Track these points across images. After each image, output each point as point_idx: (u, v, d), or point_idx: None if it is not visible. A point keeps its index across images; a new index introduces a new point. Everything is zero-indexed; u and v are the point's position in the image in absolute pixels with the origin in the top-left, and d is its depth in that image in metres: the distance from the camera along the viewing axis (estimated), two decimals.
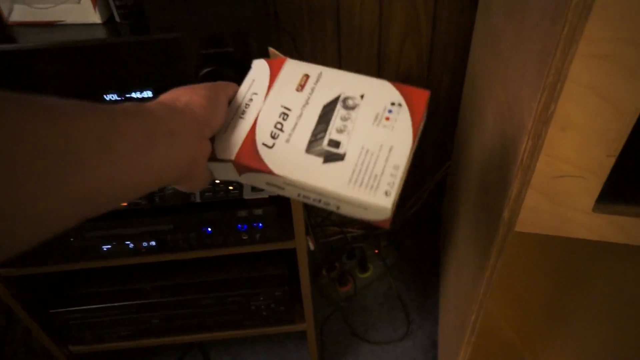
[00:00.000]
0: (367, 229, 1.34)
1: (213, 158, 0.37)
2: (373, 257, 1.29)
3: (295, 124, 0.37)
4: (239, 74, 0.50)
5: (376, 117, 0.36)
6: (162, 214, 0.71)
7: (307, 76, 0.39)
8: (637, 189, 0.49)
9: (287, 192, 0.37)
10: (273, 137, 0.37)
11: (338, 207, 0.35)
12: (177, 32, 0.52)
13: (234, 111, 0.39)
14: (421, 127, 0.37)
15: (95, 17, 0.54)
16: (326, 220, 1.32)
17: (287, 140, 0.36)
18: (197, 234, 0.72)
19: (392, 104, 0.37)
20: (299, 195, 0.36)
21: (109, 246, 0.73)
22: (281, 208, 0.72)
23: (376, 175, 0.34)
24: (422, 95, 0.37)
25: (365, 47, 1.01)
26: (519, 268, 0.82)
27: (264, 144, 0.36)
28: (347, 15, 0.96)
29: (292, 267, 0.82)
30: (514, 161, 0.49)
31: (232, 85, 0.40)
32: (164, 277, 0.86)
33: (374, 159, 0.34)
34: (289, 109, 0.38)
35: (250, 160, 0.36)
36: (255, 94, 0.39)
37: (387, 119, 0.36)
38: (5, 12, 0.54)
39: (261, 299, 0.85)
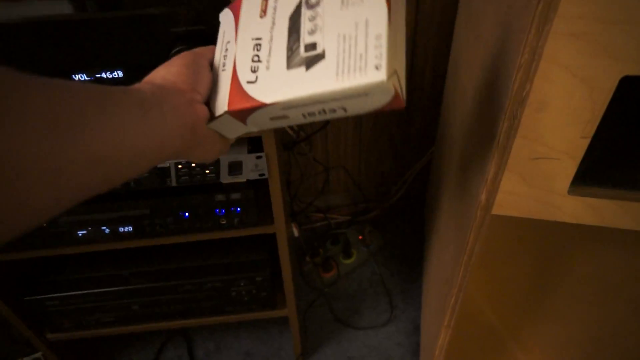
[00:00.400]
0: (352, 215, 1.34)
1: (212, 118, 0.36)
2: (357, 243, 1.29)
3: (270, 49, 0.36)
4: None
5: (342, 0, 0.34)
6: (138, 199, 0.70)
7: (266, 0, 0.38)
8: (611, 171, 0.49)
9: (292, 119, 0.36)
10: (254, 71, 0.36)
11: (345, 109, 0.34)
12: (149, 9, 0.51)
13: (217, 68, 0.38)
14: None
15: None
16: (310, 207, 1.31)
17: (267, 67, 0.35)
18: (174, 219, 0.71)
19: None
20: (303, 115, 0.35)
21: (85, 231, 0.72)
22: (260, 192, 0.71)
23: (361, 55, 0.31)
24: None
25: None
26: (499, 251, 0.82)
27: (248, 82, 0.36)
28: None
29: (275, 253, 0.82)
30: (491, 143, 0.49)
31: (211, 47, 0.40)
32: (143, 263, 0.85)
33: (353, 41, 0.32)
34: (259, 38, 0.37)
35: (239, 103, 0.35)
36: (229, 42, 0.39)
37: None
38: None
39: (242, 284, 0.85)
